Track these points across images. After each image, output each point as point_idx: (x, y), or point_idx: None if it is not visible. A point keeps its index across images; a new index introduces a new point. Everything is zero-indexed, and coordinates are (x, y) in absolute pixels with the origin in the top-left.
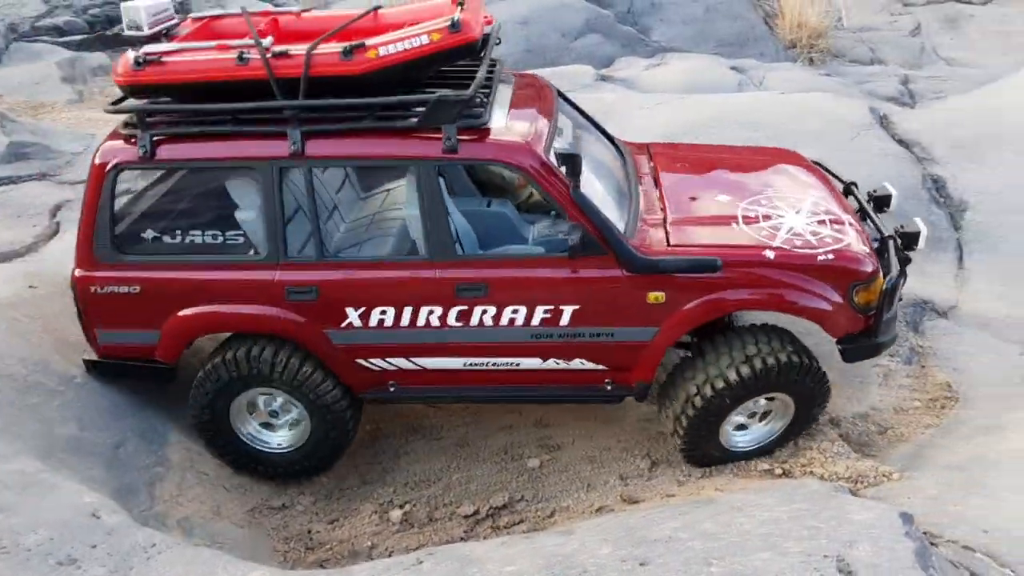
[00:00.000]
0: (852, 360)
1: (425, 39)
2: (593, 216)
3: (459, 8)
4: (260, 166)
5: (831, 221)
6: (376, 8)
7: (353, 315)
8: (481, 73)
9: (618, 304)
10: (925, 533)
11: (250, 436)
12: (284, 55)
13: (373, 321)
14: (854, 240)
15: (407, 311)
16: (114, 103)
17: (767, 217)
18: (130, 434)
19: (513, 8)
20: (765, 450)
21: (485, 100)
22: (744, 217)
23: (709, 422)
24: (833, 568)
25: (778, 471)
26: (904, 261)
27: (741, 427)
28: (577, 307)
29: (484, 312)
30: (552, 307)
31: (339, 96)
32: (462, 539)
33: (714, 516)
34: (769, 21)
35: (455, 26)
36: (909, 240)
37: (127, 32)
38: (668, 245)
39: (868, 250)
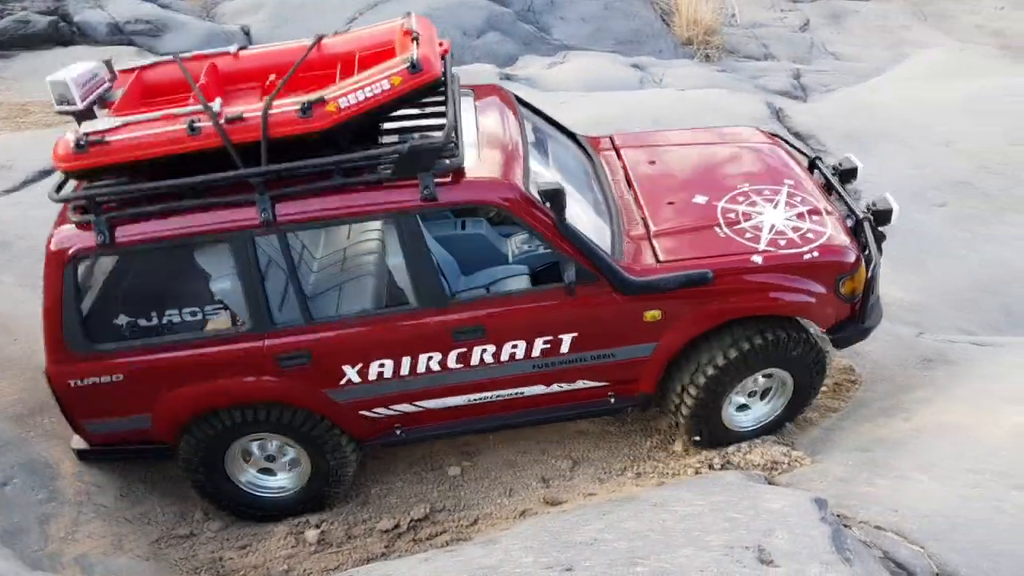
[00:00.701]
0: (843, 347)
1: (386, 84)
2: (582, 247)
3: (414, 44)
4: (231, 237)
5: (809, 213)
6: (319, 39)
7: (351, 372)
8: (451, 113)
9: (616, 326)
10: (838, 516)
11: (249, 484)
12: (238, 120)
13: (372, 375)
14: (834, 231)
15: (405, 360)
16: (58, 189)
17: (747, 216)
18: (17, 470)
19: (411, 5)
20: (769, 428)
21: (457, 140)
22: (725, 220)
23: (709, 406)
24: (754, 558)
25: (695, 463)
26: (879, 239)
27: (743, 407)
28: (576, 334)
29: (484, 351)
30: (551, 337)
31: (300, 151)
32: (383, 555)
33: (637, 514)
34: (665, 18)
35: (415, 67)
36: (882, 218)
37: (58, 109)
38: (658, 262)
39: (849, 239)
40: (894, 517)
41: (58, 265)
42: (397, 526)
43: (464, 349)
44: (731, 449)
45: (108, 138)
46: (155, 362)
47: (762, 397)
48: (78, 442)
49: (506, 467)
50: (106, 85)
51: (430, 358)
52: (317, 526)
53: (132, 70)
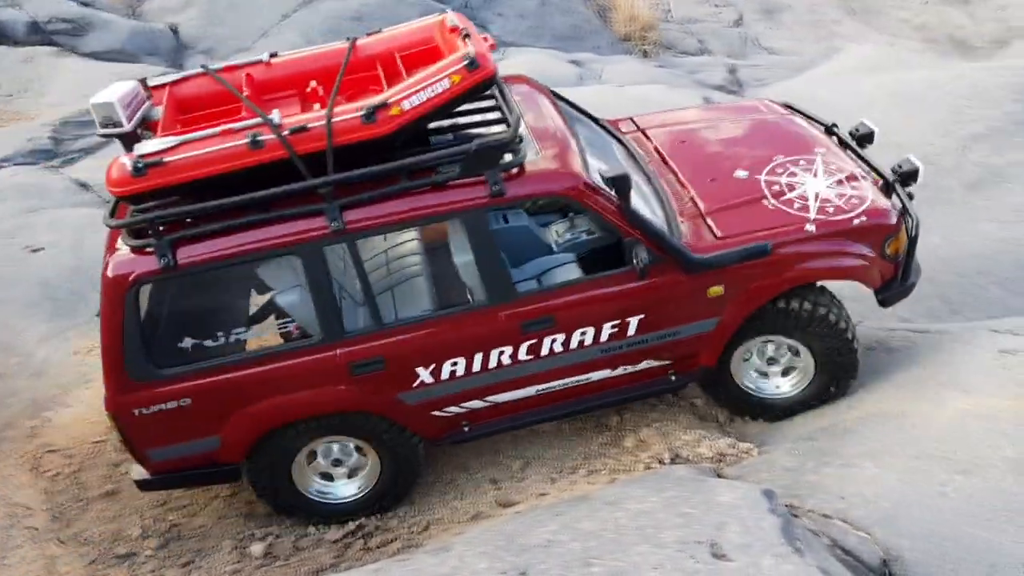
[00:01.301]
0: (890, 304)
1: (446, 83)
2: (648, 230)
3: (466, 40)
4: (300, 249)
5: (847, 179)
6: (353, 41)
7: (424, 374)
8: (514, 110)
9: (681, 305)
10: (787, 506)
11: (318, 492)
12: (302, 130)
13: (445, 374)
14: (874, 194)
15: (478, 357)
16: (112, 213)
17: (791, 187)
18: None
19: (345, 3)
20: (798, 400)
21: (520, 136)
22: (771, 192)
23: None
24: (707, 553)
25: (647, 458)
26: (910, 198)
27: (764, 375)
28: (642, 316)
29: (554, 341)
30: (618, 321)
31: (361, 155)
32: (332, 566)
33: (590, 514)
34: (603, 15)
35: (473, 64)
36: (907, 178)
37: (102, 132)
38: (716, 238)
39: (888, 200)
40: (841, 505)
41: (118, 293)
42: (346, 535)
43: (534, 340)
44: (679, 443)
45: (166, 159)
46: (224, 382)
47: (784, 374)
48: (139, 472)
49: (458, 470)
50: (147, 104)
51: (501, 352)
52: (262, 539)
53: (163, 86)
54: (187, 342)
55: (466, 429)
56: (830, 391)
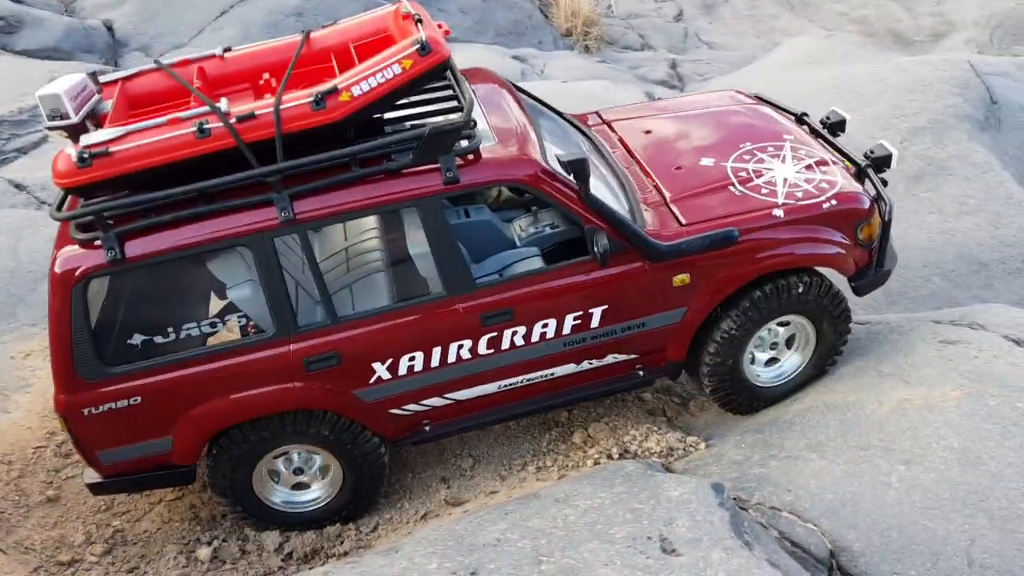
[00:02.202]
0: (865, 293)
1: (397, 68)
2: (609, 216)
3: (418, 25)
4: (250, 240)
5: (816, 164)
6: (307, 34)
7: (381, 369)
8: (467, 94)
9: (646, 295)
10: (735, 500)
11: (286, 503)
12: (249, 117)
13: (403, 370)
14: (844, 179)
15: (436, 352)
16: (59, 207)
17: (758, 173)
18: None
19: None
20: (798, 384)
21: (474, 121)
22: (738, 178)
23: (729, 363)
24: (657, 548)
25: (595, 453)
26: (884, 184)
27: (772, 360)
28: (606, 307)
29: (515, 334)
30: (581, 312)
31: (312, 144)
32: (280, 569)
33: (540, 511)
34: (544, 10)
35: (424, 48)
36: (881, 163)
37: (49, 125)
38: (681, 225)
39: (860, 186)
40: (788, 497)
41: (66, 288)
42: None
43: (494, 334)
44: (627, 438)
45: (112, 149)
46: (176, 380)
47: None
48: (91, 475)
49: (405, 469)
50: (96, 97)
51: (460, 346)
52: (209, 543)
53: (114, 82)
54: (136, 339)
55: (427, 428)
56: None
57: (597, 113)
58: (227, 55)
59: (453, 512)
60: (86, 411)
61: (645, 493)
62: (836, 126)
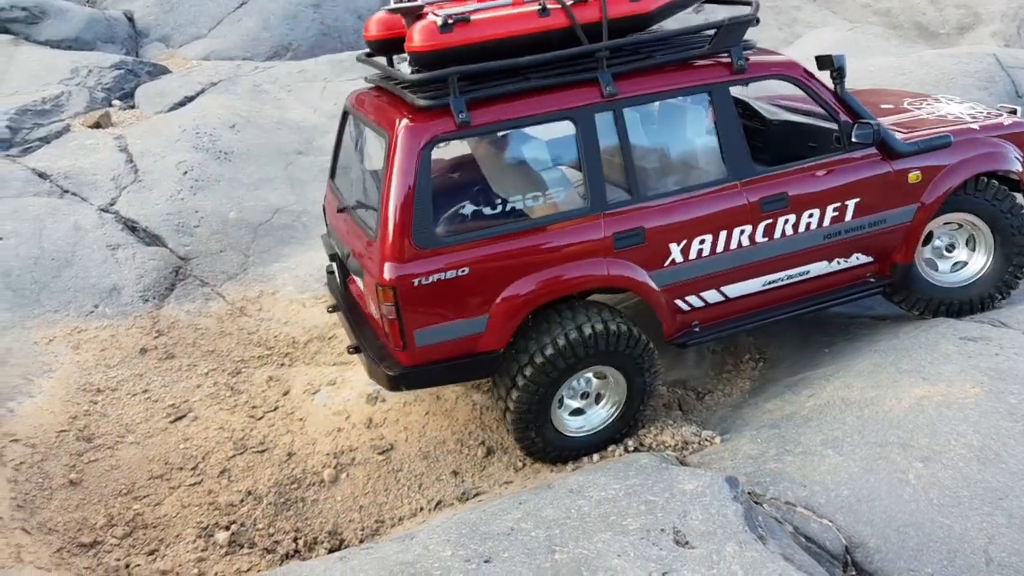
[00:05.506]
0: None
1: None
2: (860, 112)
3: None
4: (577, 115)
5: (969, 109)
6: None
7: (676, 251)
8: None
9: (888, 189)
10: (750, 494)
11: (577, 427)
12: (581, 2)
13: (693, 253)
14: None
15: (722, 236)
16: (415, 71)
17: (933, 111)
18: None
19: None
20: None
21: (758, 18)
22: (923, 113)
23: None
24: (670, 540)
25: (609, 445)
26: None
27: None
28: (858, 200)
29: (786, 222)
30: (839, 204)
31: (624, 34)
32: (296, 553)
33: (553, 502)
34: None
35: None
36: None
37: (393, 7)
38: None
39: None
40: (803, 492)
41: (413, 155)
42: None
43: (770, 220)
44: (642, 431)
45: (471, 17)
46: (500, 252)
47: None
48: (391, 368)
49: (420, 459)
50: None
51: (742, 232)
52: (227, 528)
53: None
54: (468, 208)
55: (696, 328)
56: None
57: None
58: None
59: (467, 502)
60: (417, 281)
61: (659, 486)
62: None
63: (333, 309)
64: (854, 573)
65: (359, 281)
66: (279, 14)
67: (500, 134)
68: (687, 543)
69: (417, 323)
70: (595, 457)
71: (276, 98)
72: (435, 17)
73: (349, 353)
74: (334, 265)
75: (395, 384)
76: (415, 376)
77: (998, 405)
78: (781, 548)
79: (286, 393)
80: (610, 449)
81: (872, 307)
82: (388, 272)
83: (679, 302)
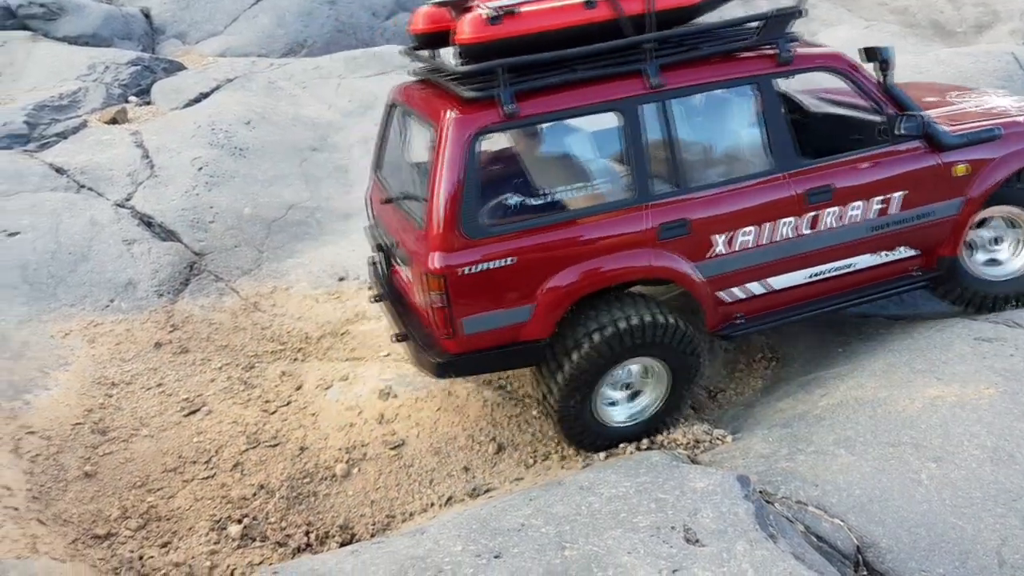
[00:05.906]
0: None
1: None
2: (906, 103)
3: None
4: (623, 106)
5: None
6: None
7: (719, 242)
8: None
9: (934, 182)
10: (761, 493)
11: (622, 420)
12: None
13: (737, 245)
14: None
15: (766, 228)
16: (462, 63)
17: (980, 104)
18: None
19: None
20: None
21: (805, 10)
22: (968, 106)
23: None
24: (681, 538)
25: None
26: None
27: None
28: (904, 192)
29: (831, 214)
30: (884, 196)
31: (668, 26)
32: (308, 547)
33: (564, 498)
34: None
35: None
36: None
37: (439, 0)
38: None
39: None
40: (815, 492)
41: (462, 146)
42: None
43: (816, 212)
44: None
45: (519, 10)
46: (546, 242)
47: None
48: (438, 355)
49: (431, 454)
50: None
51: (787, 224)
52: (239, 521)
53: None
54: (514, 199)
55: (739, 321)
56: None
57: None
58: None
59: (478, 498)
60: (463, 270)
61: (670, 483)
62: None
63: (377, 299)
64: (865, 573)
65: (405, 271)
66: (294, 11)
67: (546, 125)
68: (697, 541)
69: (464, 311)
70: (602, 455)
71: (291, 95)
72: (482, 10)
73: (393, 342)
74: (378, 256)
75: (442, 371)
76: (461, 363)
77: (1012, 406)
78: (792, 547)
79: (299, 388)
80: (621, 447)
81: (886, 307)
82: (437, 261)
83: (722, 294)
